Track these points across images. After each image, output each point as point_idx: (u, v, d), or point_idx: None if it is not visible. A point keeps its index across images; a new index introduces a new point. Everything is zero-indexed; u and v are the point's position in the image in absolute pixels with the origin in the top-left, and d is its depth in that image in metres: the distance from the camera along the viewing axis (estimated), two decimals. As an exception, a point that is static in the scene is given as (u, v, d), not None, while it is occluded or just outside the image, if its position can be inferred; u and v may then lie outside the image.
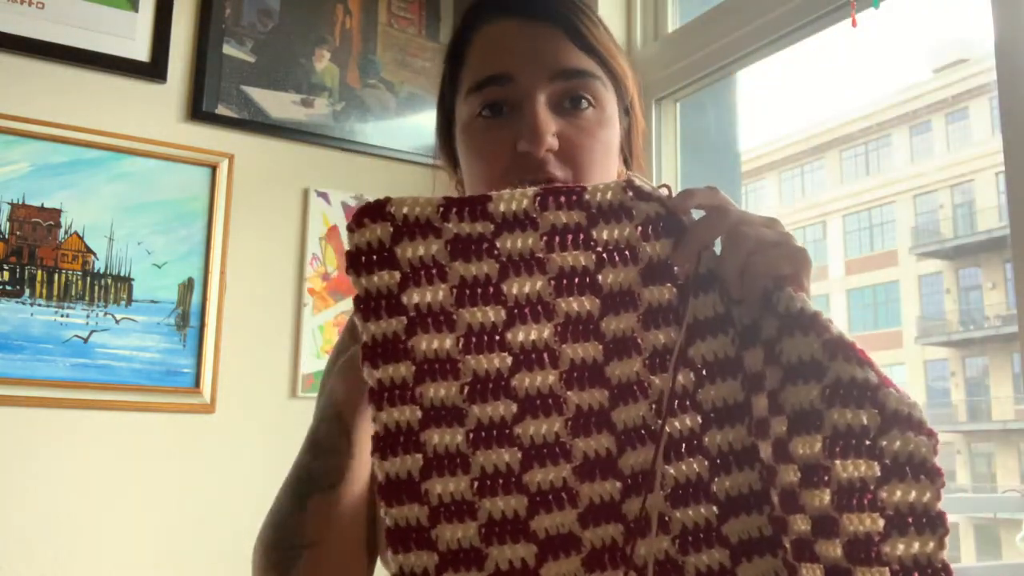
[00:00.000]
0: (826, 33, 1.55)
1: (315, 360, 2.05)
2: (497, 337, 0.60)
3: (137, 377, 1.86)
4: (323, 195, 2.12)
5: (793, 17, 1.56)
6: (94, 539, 1.77)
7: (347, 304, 2.09)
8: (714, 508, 0.59)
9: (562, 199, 0.61)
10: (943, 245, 14.66)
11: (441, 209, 0.60)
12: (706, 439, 0.60)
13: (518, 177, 0.74)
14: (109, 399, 1.82)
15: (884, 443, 0.51)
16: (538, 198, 0.61)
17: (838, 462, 0.52)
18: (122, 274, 1.88)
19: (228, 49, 2.04)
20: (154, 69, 1.95)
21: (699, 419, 0.60)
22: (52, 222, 1.83)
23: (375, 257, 0.59)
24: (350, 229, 0.60)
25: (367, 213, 0.60)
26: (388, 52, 2.26)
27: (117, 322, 1.86)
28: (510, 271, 0.60)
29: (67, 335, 1.81)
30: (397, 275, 0.59)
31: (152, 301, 1.90)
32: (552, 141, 0.74)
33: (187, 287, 1.94)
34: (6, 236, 1.79)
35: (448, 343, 0.59)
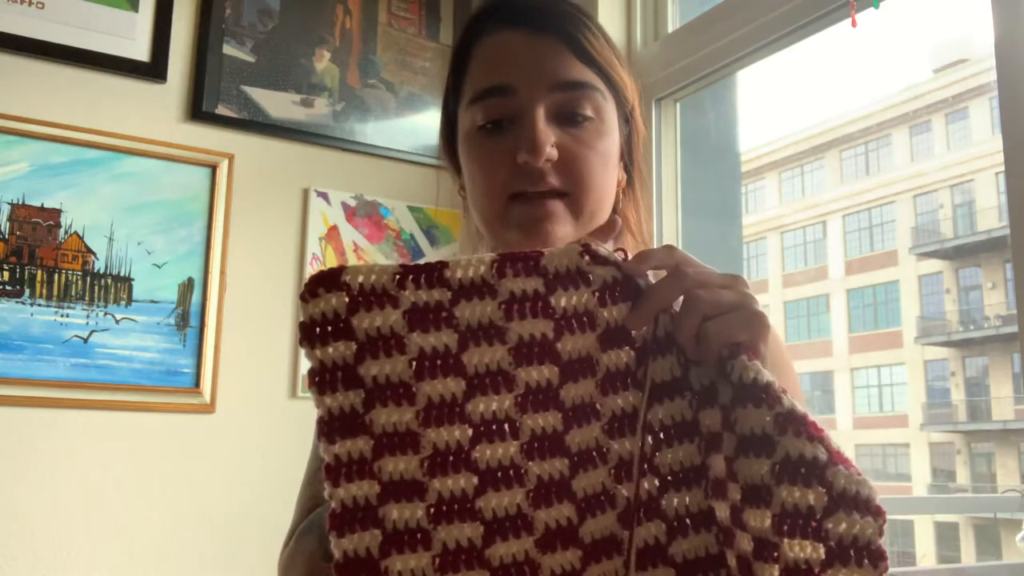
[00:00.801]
0: (826, 33, 1.56)
1: (315, 360, 2.05)
2: (457, 409, 0.58)
3: (137, 377, 1.86)
4: (323, 195, 2.12)
5: (793, 17, 1.56)
6: (94, 539, 1.78)
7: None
8: (672, 572, 0.59)
9: (519, 265, 0.60)
10: (943, 245, 14.67)
11: (397, 277, 0.58)
12: (663, 502, 0.60)
13: (519, 187, 0.76)
14: (109, 399, 1.82)
15: (830, 525, 0.51)
16: (495, 264, 0.59)
17: (786, 541, 0.53)
18: (122, 274, 1.88)
19: (228, 49, 2.04)
20: (154, 69, 1.95)
21: (656, 482, 0.60)
22: (52, 222, 1.83)
23: (330, 328, 0.57)
24: (303, 299, 0.57)
25: (321, 282, 0.57)
26: (388, 52, 2.26)
27: (117, 322, 1.86)
28: (469, 341, 0.59)
29: (67, 335, 1.81)
30: (353, 346, 0.57)
31: (152, 301, 1.90)
32: (551, 152, 0.75)
33: (187, 287, 1.94)
34: (6, 236, 1.79)
35: (408, 416, 0.58)
